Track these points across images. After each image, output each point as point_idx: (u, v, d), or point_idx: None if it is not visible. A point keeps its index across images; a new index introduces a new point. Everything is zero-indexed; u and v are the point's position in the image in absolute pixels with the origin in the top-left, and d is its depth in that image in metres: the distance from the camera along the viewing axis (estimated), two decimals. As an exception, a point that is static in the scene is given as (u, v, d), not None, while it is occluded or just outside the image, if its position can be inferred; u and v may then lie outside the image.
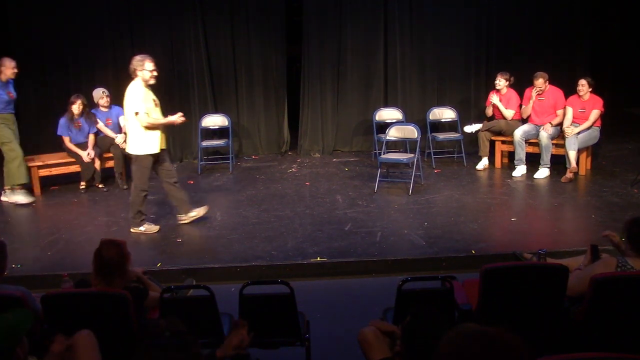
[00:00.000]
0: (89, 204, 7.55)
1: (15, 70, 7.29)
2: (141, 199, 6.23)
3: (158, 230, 6.33)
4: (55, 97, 8.77)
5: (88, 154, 7.78)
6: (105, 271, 3.45)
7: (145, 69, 6.00)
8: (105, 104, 8.14)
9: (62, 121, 7.86)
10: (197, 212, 6.52)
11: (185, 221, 6.49)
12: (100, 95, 8.12)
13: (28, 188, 7.62)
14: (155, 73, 6.05)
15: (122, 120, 8.22)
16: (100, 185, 7.96)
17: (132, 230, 6.30)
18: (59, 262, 5.55)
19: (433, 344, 2.32)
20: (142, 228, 6.28)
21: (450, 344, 1.66)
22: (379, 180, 7.55)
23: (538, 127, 8.01)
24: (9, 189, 7.44)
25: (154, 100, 6.13)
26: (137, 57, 6.09)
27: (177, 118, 6.19)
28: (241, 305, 3.58)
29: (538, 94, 8.05)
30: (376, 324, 2.95)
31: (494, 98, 8.36)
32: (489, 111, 8.52)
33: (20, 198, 7.42)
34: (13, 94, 7.39)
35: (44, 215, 7.19)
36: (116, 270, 3.44)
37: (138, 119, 5.99)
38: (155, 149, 6.10)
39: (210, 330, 3.58)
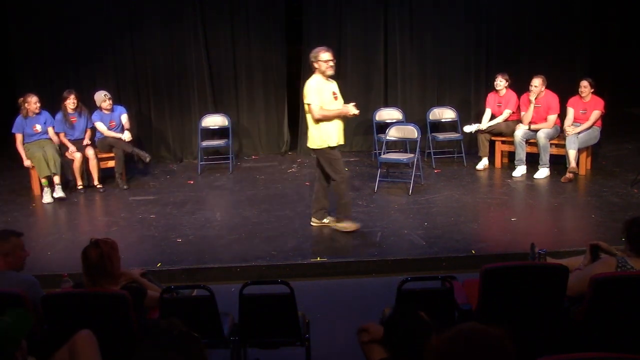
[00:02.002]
0: (88, 204, 7.55)
1: (39, 105, 7.66)
2: (342, 191, 6.02)
3: (357, 228, 6.10)
4: (56, 97, 8.74)
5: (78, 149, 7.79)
6: (88, 271, 3.45)
7: (320, 60, 5.83)
8: (108, 107, 8.08)
9: (58, 117, 7.88)
10: (329, 221, 6.27)
11: (316, 225, 6.30)
12: (102, 98, 8.06)
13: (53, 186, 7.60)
14: (332, 63, 5.85)
15: (124, 119, 8.20)
16: (98, 185, 7.94)
17: (337, 225, 6.15)
18: (59, 262, 5.55)
19: (413, 341, 2.35)
20: (348, 223, 6.11)
21: (443, 343, 1.68)
22: (379, 180, 7.55)
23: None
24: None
25: (334, 93, 5.95)
26: (314, 50, 5.93)
27: (351, 108, 5.89)
28: (241, 305, 3.58)
29: (535, 98, 8.02)
30: (364, 337, 2.93)
31: (478, 126, 8.37)
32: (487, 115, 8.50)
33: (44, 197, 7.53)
34: (38, 128, 7.73)
35: (44, 215, 7.18)
36: (98, 271, 3.42)
37: (311, 111, 5.86)
38: (334, 142, 5.91)
39: (210, 330, 3.58)
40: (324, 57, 5.84)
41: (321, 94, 5.87)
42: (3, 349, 2.31)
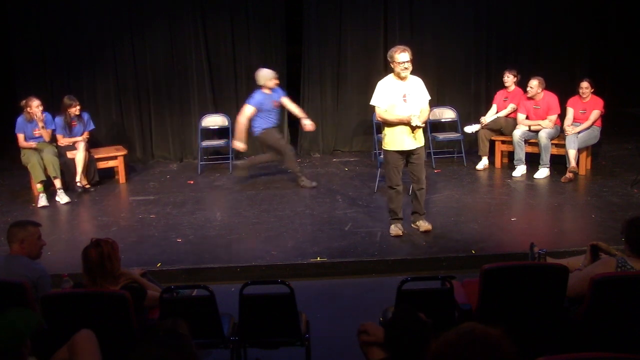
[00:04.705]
0: (88, 204, 7.54)
1: (41, 108, 7.54)
2: (389, 196, 5.96)
3: (397, 235, 5.95)
4: (55, 98, 8.75)
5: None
6: (88, 271, 3.48)
7: (395, 60, 5.63)
8: (274, 86, 7.48)
9: (58, 121, 7.80)
10: (419, 225, 6.11)
11: (413, 227, 6.17)
12: (272, 75, 7.41)
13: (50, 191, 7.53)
14: (406, 65, 5.60)
15: (286, 101, 7.72)
16: (87, 185, 7.86)
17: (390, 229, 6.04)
18: (59, 262, 5.55)
19: (412, 341, 2.35)
20: (392, 227, 6.01)
21: (443, 343, 1.69)
22: (379, 180, 7.54)
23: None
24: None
25: (404, 95, 5.70)
26: (391, 49, 5.73)
27: (414, 119, 5.58)
28: (241, 305, 3.58)
29: (532, 100, 8.02)
30: (365, 338, 2.93)
31: (479, 126, 8.40)
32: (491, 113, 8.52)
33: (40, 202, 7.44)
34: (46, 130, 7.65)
35: (44, 215, 7.18)
36: (98, 271, 3.45)
37: (377, 113, 5.84)
38: (397, 147, 5.74)
39: (210, 330, 3.59)
40: (398, 59, 5.62)
41: (388, 95, 5.72)
42: (11, 344, 2.37)
